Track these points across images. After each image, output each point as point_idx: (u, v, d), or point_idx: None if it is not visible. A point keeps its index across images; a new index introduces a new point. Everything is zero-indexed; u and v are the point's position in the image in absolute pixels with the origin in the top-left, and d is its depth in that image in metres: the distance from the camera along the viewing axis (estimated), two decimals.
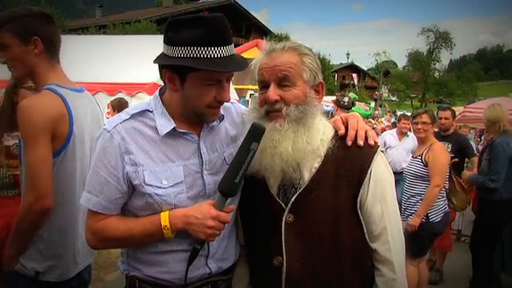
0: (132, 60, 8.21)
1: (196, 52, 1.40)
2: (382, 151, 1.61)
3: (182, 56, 1.42)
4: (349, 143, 1.56)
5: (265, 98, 1.53)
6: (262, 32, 35.57)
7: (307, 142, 1.50)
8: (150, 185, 1.48)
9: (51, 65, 1.99)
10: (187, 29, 1.41)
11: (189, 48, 1.40)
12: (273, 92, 1.51)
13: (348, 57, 58.88)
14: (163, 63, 1.48)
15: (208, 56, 1.41)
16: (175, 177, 1.51)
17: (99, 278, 4.47)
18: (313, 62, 1.57)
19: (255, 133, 1.45)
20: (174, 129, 1.52)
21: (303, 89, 1.53)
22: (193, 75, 1.44)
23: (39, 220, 1.87)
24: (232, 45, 1.48)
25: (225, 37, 1.44)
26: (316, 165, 1.55)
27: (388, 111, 31.53)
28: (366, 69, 58.90)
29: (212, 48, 1.41)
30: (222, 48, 1.42)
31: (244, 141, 1.46)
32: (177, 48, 1.42)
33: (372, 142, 1.58)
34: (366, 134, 1.59)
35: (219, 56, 1.42)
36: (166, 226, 1.46)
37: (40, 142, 1.81)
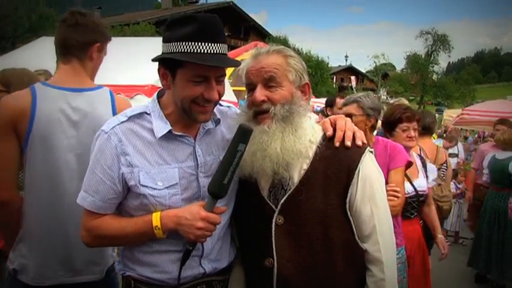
0: (131, 62, 8.19)
1: (185, 46, 1.43)
2: (371, 151, 1.63)
3: (173, 51, 1.46)
4: (337, 144, 1.59)
5: (252, 100, 1.56)
6: (261, 34, 35.52)
7: (295, 141, 1.53)
8: (145, 186, 1.51)
9: (57, 66, 2.06)
10: (180, 26, 1.46)
11: (178, 43, 1.44)
12: (259, 93, 1.54)
13: (346, 60, 58.82)
14: (156, 58, 1.52)
15: (195, 51, 1.43)
16: (170, 179, 1.53)
17: None
18: (298, 63, 1.60)
19: (242, 134, 1.47)
20: (170, 131, 1.54)
21: (289, 89, 1.57)
22: (182, 70, 1.47)
23: None
24: (225, 45, 1.50)
25: (214, 34, 1.46)
26: (305, 166, 1.57)
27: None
28: (364, 71, 58.78)
29: (200, 44, 1.43)
30: (210, 44, 1.44)
31: (231, 142, 1.49)
32: (169, 44, 1.47)
33: (359, 143, 1.60)
34: (353, 134, 1.62)
35: (206, 51, 1.44)
36: (157, 226, 1.49)
37: None
